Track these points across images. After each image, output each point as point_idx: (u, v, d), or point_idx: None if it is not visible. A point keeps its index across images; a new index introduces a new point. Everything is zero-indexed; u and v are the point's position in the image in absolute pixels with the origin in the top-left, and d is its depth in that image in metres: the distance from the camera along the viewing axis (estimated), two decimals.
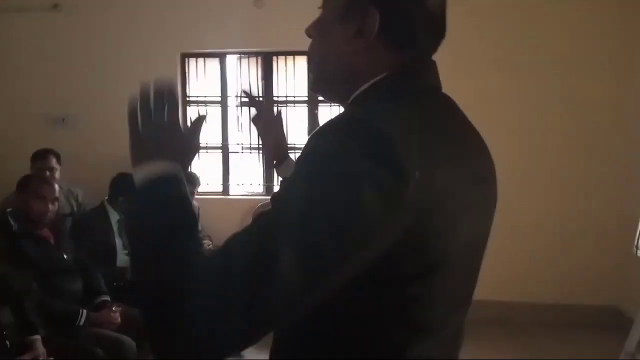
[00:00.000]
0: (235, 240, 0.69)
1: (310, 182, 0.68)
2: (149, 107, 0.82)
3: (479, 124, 0.91)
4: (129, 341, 2.53)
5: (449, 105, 0.86)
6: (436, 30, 0.84)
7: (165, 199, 0.75)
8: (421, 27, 0.82)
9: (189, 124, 0.92)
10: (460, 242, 0.78)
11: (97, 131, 4.51)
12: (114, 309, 2.68)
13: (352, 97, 0.85)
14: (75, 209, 3.82)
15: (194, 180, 3.76)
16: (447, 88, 0.89)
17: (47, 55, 4.50)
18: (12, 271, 2.33)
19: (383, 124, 0.71)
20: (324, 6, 0.88)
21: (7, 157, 4.43)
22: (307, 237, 0.65)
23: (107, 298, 2.76)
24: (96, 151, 4.49)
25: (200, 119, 0.92)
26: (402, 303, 0.75)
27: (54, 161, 3.70)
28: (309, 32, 0.90)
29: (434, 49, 0.86)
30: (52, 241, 2.65)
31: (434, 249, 0.74)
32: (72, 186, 3.89)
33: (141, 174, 0.78)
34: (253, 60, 4.46)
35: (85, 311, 2.55)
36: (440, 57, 0.88)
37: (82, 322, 2.52)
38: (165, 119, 0.83)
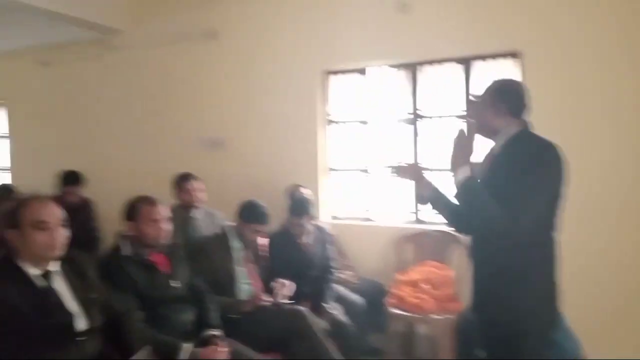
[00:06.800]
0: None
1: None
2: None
3: None
4: None
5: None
6: (527, 108, 2.09)
7: (472, 186, 1.98)
8: (523, 107, 2.08)
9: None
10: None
11: (246, 154, 4.53)
12: (222, 346, 2.46)
13: (506, 138, 2.04)
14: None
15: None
16: None
17: (201, 81, 4.67)
18: (116, 294, 2.25)
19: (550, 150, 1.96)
20: (478, 100, 2.13)
21: (162, 176, 4.37)
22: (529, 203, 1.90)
23: (217, 332, 2.55)
24: (240, 173, 4.49)
25: (471, 130, 2.04)
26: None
27: (200, 184, 3.84)
28: (470, 114, 2.29)
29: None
30: (162, 267, 2.54)
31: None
32: (212, 210, 3.88)
33: (461, 174, 1.99)
34: (394, 71, 4.06)
35: (186, 345, 2.36)
36: None
37: (181, 357, 2.34)
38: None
